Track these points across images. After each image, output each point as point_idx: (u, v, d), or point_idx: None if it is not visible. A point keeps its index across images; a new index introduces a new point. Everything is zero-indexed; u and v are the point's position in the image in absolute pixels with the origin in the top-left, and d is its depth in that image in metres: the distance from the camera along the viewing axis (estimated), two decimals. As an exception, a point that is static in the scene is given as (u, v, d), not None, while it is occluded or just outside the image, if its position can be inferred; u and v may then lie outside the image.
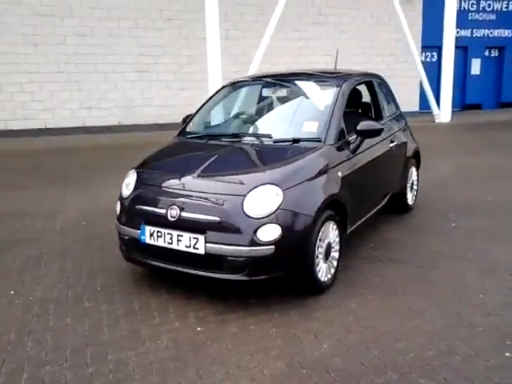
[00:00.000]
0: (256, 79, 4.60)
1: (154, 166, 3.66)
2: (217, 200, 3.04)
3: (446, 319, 3.03)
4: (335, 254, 3.49)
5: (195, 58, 12.77)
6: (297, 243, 3.06)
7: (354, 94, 4.47)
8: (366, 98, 4.82)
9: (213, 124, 4.18)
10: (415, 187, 5.38)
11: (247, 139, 3.74)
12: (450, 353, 2.64)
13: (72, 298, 3.34)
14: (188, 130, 4.16)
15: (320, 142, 3.54)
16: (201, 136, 3.96)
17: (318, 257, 3.25)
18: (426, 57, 16.43)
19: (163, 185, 3.30)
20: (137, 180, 3.46)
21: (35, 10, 11.63)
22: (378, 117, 4.60)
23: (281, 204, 3.00)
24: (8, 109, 11.76)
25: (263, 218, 2.95)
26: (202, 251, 2.98)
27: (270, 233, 2.94)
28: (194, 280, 3.29)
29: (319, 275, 3.29)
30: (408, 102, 13.80)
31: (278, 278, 3.10)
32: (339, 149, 3.63)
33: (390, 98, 5.07)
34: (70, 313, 3.14)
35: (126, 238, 3.34)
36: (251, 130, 4.00)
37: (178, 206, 3.08)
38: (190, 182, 3.22)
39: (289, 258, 3.06)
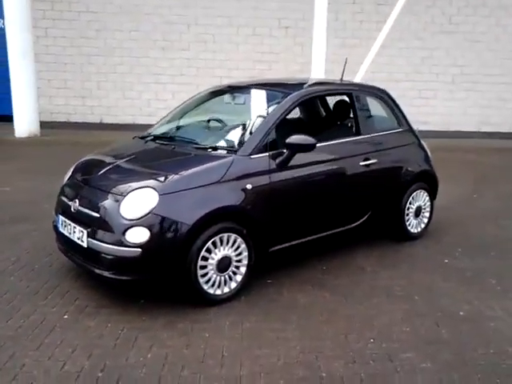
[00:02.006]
0: (227, 87, 4.63)
1: (87, 161, 3.99)
2: (104, 197, 3.26)
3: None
4: (241, 269, 3.44)
5: (307, 66, 12.84)
6: (168, 250, 3.13)
7: (340, 107, 4.32)
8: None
9: (166, 127, 4.33)
10: (425, 214, 4.85)
11: (177, 143, 3.85)
12: None
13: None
14: (149, 130, 4.38)
15: (234, 151, 3.50)
16: (145, 136, 4.17)
17: (205, 267, 3.26)
18: None
19: (78, 178, 3.64)
20: (71, 172, 3.85)
21: (166, 19, 12.94)
22: (356, 131, 4.29)
23: (154, 208, 3.10)
24: (136, 105, 13.30)
25: (134, 220, 3.09)
26: (85, 244, 3.24)
27: (138, 235, 3.07)
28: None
29: (205, 287, 3.30)
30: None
31: (148, 280, 3.20)
32: (258, 160, 3.52)
33: (389, 112, 4.66)
34: None
35: (54, 224, 3.74)
36: (186, 135, 4.07)
37: (78, 200, 3.38)
38: (95, 177, 3.49)
39: (157, 263, 3.15)
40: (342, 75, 5.08)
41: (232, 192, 3.36)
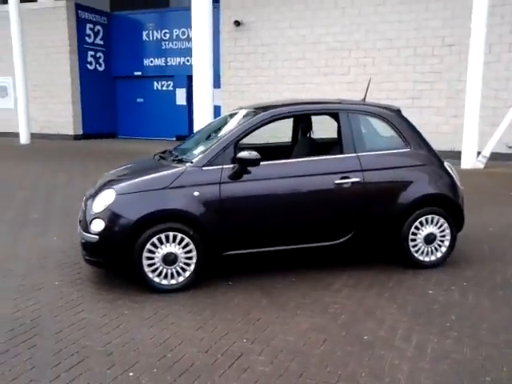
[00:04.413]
0: (248, 108, 4.97)
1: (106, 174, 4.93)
2: (92, 198, 4.21)
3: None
4: (191, 267, 3.99)
5: (472, 84, 11.93)
6: (116, 239, 3.90)
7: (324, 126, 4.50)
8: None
9: (181, 146, 5.02)
10: (444, 242, 4.51)
11: (168, 158, 4.52)
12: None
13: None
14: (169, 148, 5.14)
15: (190, 162, 4.09)
16: (163, 152, 4.93)
17: (153, 259, 3.94)
18: None
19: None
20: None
21: (329, 46, 13.66)
22: (340, 150, 4.36)
23: (110, 205, 3.93)
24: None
25: (97, 213, 3.97)
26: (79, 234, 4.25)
27: (97, 225, 3.94)
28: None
29: (151, 275, 3.97)
30: None
31: (107, 262, 4.03)
32: (209, 172, 4.02)
33: (394, 132, 4.49)
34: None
35: None
36: (181, 152, 4.60)
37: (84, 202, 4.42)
38: (98, 185, 4.43)
39: (110, 249, 3.94)
40: (365, 95, 5.10)
41: (178, 197, 3.95)
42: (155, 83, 18.64)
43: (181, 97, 18.04)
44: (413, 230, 4.44)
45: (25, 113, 16.35)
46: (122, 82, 19.10)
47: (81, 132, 18.18)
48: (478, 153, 11.03)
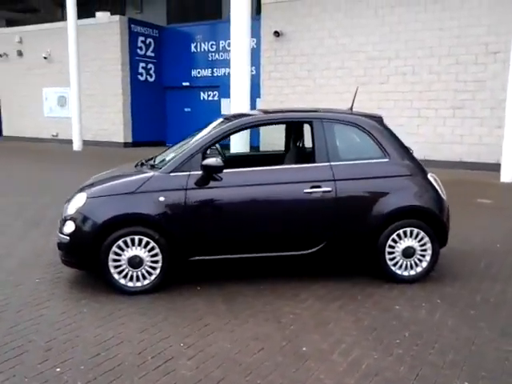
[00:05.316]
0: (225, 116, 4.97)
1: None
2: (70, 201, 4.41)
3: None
4: (156, 270, 4.08)
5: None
6: (84, 241, 4.05)
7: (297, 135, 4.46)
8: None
9: (166, 152, 5.08)
10: (425, 257, 4.32)
11: (146, 166, 4.63)
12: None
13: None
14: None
15: (158, 168, 4.18)
16: (148, 159, 5.01)
17: (119, 261, 4.06)
18: None
19: None
20: None
21: (368, 55, 13.43)
22: (312, 159, 4.30)
23: (80, 208, 4.10)
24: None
25: (69, 215, 4.16)
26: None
27: (69, 227, 4.11)
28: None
29: (117, 277, 4.09)
30: None
31: (78, 263, 4.19)
32: (176, 178, 4.08)
33: (372, 142, 4.35)
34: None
35: None
36: (159, 160, 4.68)
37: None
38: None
39: (79, 250, 4.10)
40: (352, 104, 4.99)
41: (144, 202, 4.04)
42: (201, 93, 19.10)
43: (225, 107, 18.32)
44: (390, 242, 4.28)
45: (78, 121, 17.28)
46: (172, 92, 19.72)
47: (130, 140, 18.92)
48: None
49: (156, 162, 4.47)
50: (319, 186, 4.18)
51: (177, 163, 4.15)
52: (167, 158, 4.37)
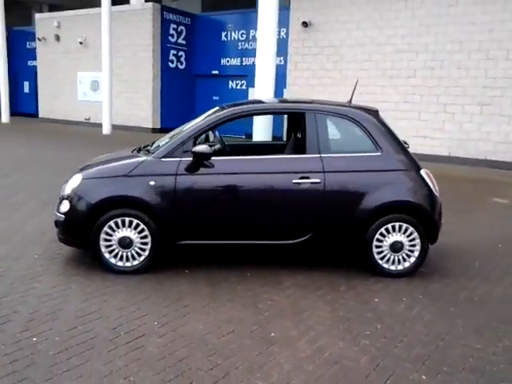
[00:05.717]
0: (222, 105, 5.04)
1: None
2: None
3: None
4: (146, 252, 4.21)
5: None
6: (78, 220, 4.22)
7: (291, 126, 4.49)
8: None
9: (163, 137, 5.17)
10: (413, 252, 4.30)
11: (143, 151, 4.73)
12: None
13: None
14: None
15: (151, 153, 4.30)
16: (148, 144, 5.15)
17: (110, 241, 4.22)
18: None
19: None
20: None
21: (397, 48, 13.19)
22: (302, 150, 4.33)
23: (75, 188, 4.26)
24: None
25: (65, 195, 4.33)
26: (58, 214, 4.63)
27: (64, 206, 4.30)
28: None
29: (107, 256, 4.24)
30: None
31: (73, 241, 4.36)
32: (167, 163, 4.18)
33: (365, 135, 4.33)
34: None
35: None
36: (155, 145, 4.81)
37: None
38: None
39: (73, 228, 4.27)
40: (352, 97, 4.97)
41: (135, 185, 4.16)
42: (230, 82, 19.18)
43: (253, 96, 18.36)
44: (378, 236, 4.28)
45: (108, 105, 17.68)
46: (201, 80, 19.89)
47: (159, 126, 19.21)
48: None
49: (152, 148, 4.59)
50: (308, 177, 4.20)
51: (168, 149, 4.25)
52: (161, 144, 4.48)
